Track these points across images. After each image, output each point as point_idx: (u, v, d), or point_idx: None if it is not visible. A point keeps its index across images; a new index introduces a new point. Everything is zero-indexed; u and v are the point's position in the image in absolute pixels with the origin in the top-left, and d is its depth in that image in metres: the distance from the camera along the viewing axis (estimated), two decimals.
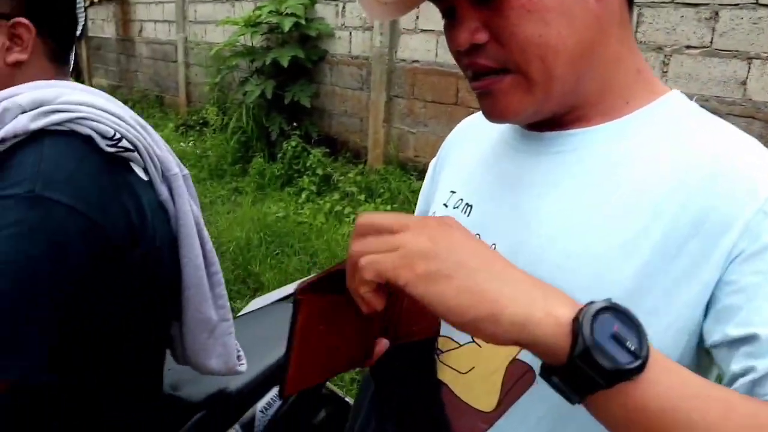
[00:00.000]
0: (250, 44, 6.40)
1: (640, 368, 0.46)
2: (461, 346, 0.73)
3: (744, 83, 3.57)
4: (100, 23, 10.73)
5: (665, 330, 0.61)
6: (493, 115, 0.71)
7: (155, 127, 5.38)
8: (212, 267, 1.08)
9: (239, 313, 1.63)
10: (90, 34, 11.01)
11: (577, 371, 0.46)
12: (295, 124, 6.03)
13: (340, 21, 6.02)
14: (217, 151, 6.48)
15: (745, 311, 0.57)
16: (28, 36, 0.95)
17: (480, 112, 0.94)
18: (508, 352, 0.68)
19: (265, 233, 4.41)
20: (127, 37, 10.03)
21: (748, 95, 3.55)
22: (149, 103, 9.23)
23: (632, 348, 0.46)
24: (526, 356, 0.67)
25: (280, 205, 5.17)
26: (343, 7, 5.97)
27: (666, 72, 3.86)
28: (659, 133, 0.69)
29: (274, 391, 1.32)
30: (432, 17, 5.15)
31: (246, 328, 1.41)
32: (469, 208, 0.78)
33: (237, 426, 1.25)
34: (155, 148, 0.99)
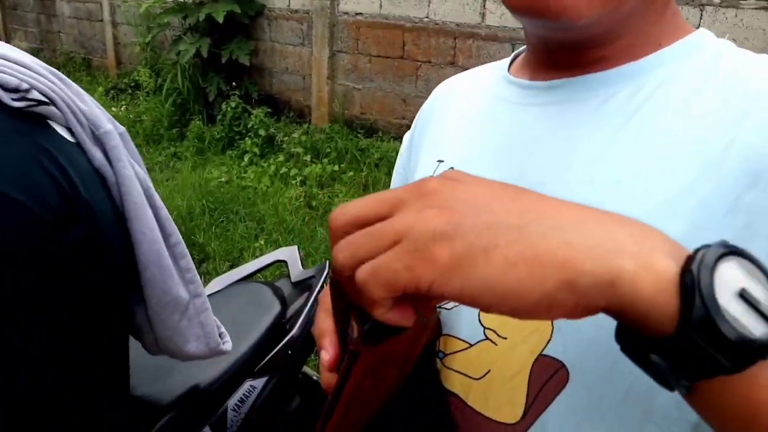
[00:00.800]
0: (182, 0, 6.01)
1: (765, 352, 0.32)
2: (472, 345, 0.58)
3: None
4: None
5: None
6: (558, 11, 0.52)
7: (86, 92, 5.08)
8: (172, 238, 0.91)
9: None
10: None
11: (690, 346, 0.33)
12: (234, 83, 5.74)
13: None
14: (151, 115, 6.13)
15: None
16: None
17: (457, 76, 0.80)
18: (533, 348, 0.54)
19: (208, 200, 4.18)
20: None
21: None
22: (75, 66, 8.68)
23: (766, 312, 0.32)
24: (555, 350, 0.54)
25: (222, 170, 4.92)
26: None
27: None
28: (696, 74, 0.56)
29: (247, 385, 1.18)
30: None
31: None
32: None
33: (207, 429, 1.11)
34: (77, 101, 0.80)
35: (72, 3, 8.85)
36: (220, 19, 5.44)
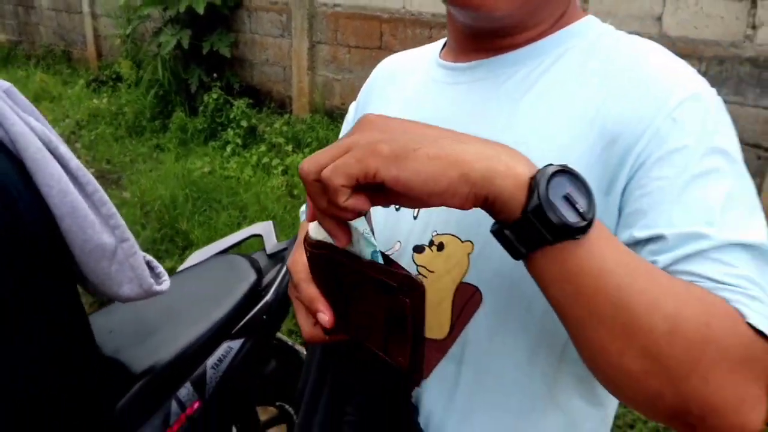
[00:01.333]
0: None
1: (585, 229, 0.49)
2: (443, 248, 0.71)
3: (659, 19, 3.65)
4: None
5: None
6: (480, 5, 0.66)
7: (64, 84, 5.09)
8: (88, 186, 0.91)
9: (178, 269, 1.57)
10: None
11: (529, 225, 0.48)
12: (215, 75, 5.80)
13: None
14: (133, 107, 6.17)
15: (651, 215, 0.59)
16: None
17: (400, 54, 0.92)
18: (454, 278, 0.68)
19: (191, 190, 4.27)
20: None
21: (664, 30, 3.64)
22: (55, 59, 8.66)
23: (581, 210, 0.48)
24: (471, 278, 0.67)
25: (204, 160, 5.00)
26: None
27: (586, 9, 3.89)
28: (583, 51, 0.71)
29: (224, 346, 1.28)
30: None
31: (189, 283, 1.36)
32: None
33: (188, 384, 1.21)
34: None
35: None
36: (201, 11, 5.49)
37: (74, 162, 0.90)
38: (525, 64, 0.72)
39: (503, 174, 0.48)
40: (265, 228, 1.66)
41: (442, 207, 0.50)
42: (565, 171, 0.49)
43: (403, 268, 0.54)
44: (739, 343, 0.51)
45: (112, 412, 1.07)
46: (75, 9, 8.31)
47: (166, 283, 1.04)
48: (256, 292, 1.38)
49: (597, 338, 0.51)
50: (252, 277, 1.41)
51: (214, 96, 5.61)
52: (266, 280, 1.43)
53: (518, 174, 0.49)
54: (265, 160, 4.90)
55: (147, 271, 1.00)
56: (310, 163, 0.51)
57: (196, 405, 1.22)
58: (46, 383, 0.91)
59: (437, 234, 0.70)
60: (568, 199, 0.48)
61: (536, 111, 0.68)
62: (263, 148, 5.09)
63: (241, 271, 1.43)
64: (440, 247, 0.69)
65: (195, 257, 1.60)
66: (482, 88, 0.73)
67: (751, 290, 0.53)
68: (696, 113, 0.62)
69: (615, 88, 0.66)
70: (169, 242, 3.72)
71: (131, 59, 6.78)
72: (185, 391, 1.21)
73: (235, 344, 1.29)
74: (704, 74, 3.41)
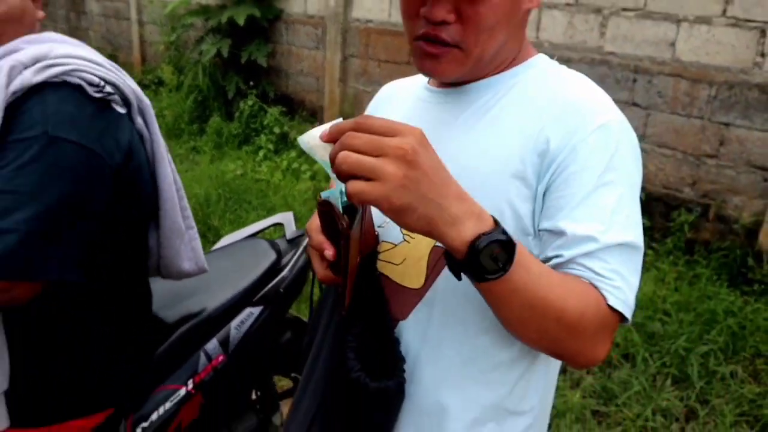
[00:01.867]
0: (205, 2, 6.39)
1: (502, 275, 0.71)
2: (396, 245, 0.94)
3: (673, 44, 3.81)
4: None
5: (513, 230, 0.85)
6: (434, 72, 0.91)
7: None
8: (177, 184, 1.26)
9: (213, 248, 1.82)
10: None
11: (465, 269, 0.71)
12: (251, 83, 6.11)
13: None
14: (173, 110, 6.51)
15: (559, 214, 0.82)
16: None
17: (400, 80, 1.15)
18: (429, 242, 0.90)
19: (224, 190, 4.54)
20: None
21: (677, 56, 3.80)
22: None
23: (500, 264, 0.70)
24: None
25: (238, 164, 5.28)
26: None
27: (604, 33, 4.08)
28: (531, 83, 0.93)
29: (247, 311, 1.53)
30: None
31: (220, 260, 1.61)
32: None
33: (214, 340, 1.46)
34: (130, 83, 1.16)
35: (101, 2, 9.27)
36: (241, 22, 5.81)
37: (173, 165, 1.25)
38: (484, 92, 0.94)
39: (452, 239, 0.68)
40: (285, 217, 1.91)
41: None
42: (500, 241, 0.69)
43: (342, 218, 0.76)
44: (600, 320, 0.79)
45: (151, 356, 1.33)
46: (123, 16, 8.74)
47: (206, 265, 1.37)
48: (275, 268, 1.63)
49: (515, 329, 0.81)
50: (272, 256, 1.66)
51: (250, 103, 5.90)
52: (285, 260, 1.68)
53: (464, 238, 0.68)
54: (295, 165, 5.16)
55: (202, 253, 1.33)
56: (353, 138, 0.66)
57: (220, 358, 1.46)
58: (117, 319, 1.22)
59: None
60: (494, 258, 0.69)
61: (487, 135, 0.90)
62: (293, 154, 5.35)
63: (263, 251, 1.68)
64: (408, 240, 0.93)
65: (226, 240, 1.85)
66: (452, 108, 0.96)
67: (616, 281, 0.80)
68: (604, 139, 0.83)
69: (550, 114, 0.87)
70: (201, 237, 3.99)
71: (173, 65, 7.14)
72: (212, 345, 1.46)
73: (256, 310, 1.54)
74: (714, 98, 3.60)
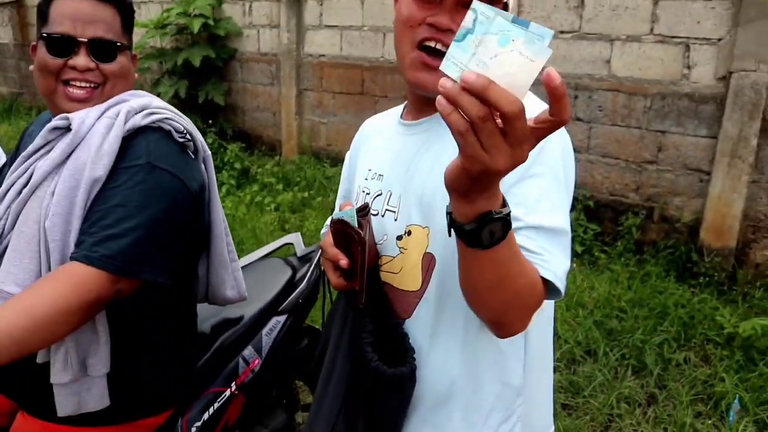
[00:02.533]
0: (160, 46, 6.52)
1: (493, 245, 0.77)
2: (394, 257, 1.08)
3: (608, 62, 4.10)
4: None
5: None
6: (428, 85, 0.99)
7: None
8: (224, 222, 1.47)
9: None
10: None
11: (465, 236, 0.78)
12: (210, 121, 6.22)
13: (247, 20, 6.25)
14: None
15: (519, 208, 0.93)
16: (136, 63, 1.43)
17: (376, 116, 1.32)
18: (420, 251, 1.04)
19: None
20: (27, 41, 9.79)
21: (612, 72, 4.09)
22: None
23: (495, 238, 0.76)
24: (430, 249, 1.04)
25: None
26: (250, 7, 6.20)
27: None
28: None
29: (274, 320, 1.73)
30: (335, 14, 5.48)
31: (245, 278, 1.79)
32: (380, 176, 1.14)
33: (250, 346, 1.66)
34: (199, 136, 1.40)
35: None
36: (197, 64, 5.95)
37: (221, 207, 1.48)
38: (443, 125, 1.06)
39: (477, 208, 0.74)
40: (294, 238, 2.17)
41: (409, 212, 0.99)
42: (500, 219, 0.75)
43: (358, 231, 0.91)
44: (532, 290, 0.86)
45: (195, 364, 1.53)
46: None
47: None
48: (292, 282, 1.85)
49: (479, 295, 0.87)
50: (289, 272, 1.89)
51: (209, 141, 6.01)
52: (299, 274, 1.89)
53: (477, 212, 0.74)
54: (258, 198, 5.28)
55: (243, 283, 1.52)
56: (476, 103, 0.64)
57: (256, 361, 1.65)
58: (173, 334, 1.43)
59: (408, 225, 1.07)
60: (491, 232, 0.75)
61: (442, 157, 1.00)
62: (256, 187, 5.47)
63: (280, 268, 1.92)
64: (409, 233, 1.06)
65: (243, 261, 2.02)
66: (423, 140, 1.09)
67: (545, 256, 0.88)
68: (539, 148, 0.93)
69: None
70: None
71: None
72: (248, 351, 1.65)
73: (281, 318, 1.75)
74: (650, 109, 3.90)
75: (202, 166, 1.39)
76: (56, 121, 1.25)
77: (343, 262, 0.95)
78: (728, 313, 3.21)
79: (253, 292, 1.71)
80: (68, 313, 1.11)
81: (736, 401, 2.59)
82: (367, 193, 1.15)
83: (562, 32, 4.25)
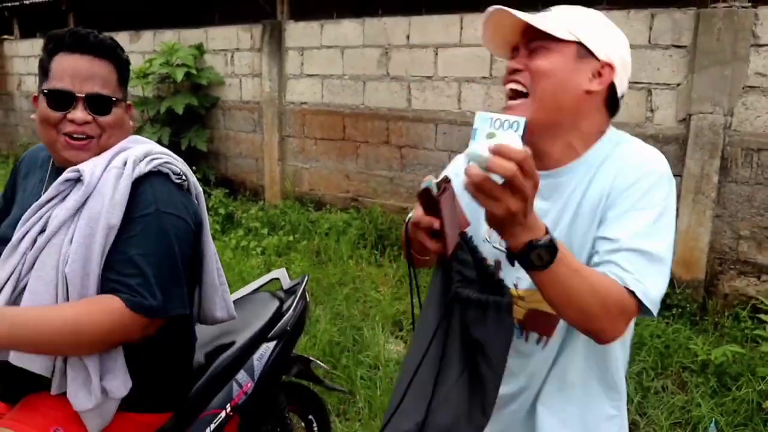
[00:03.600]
0: (143, 94, 6.66)
1: (545, 267, 0.96)
2: (535, 291, 1.13)
3: None
4: None
5: (583, 255, 1.15)
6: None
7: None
8: (214, 250, 1.60)
9: None
10: None
11: (524, 259, 0.96)
12: (193, 168, 6.29)
13: (229, 69, 6.45)
14: None
15: (602, 228, 1.11)
16: (131, 113, 1.55)
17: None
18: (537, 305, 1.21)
19: None
20: (4, 91, 9.85)
21: None
22: None
23: (545, 260, 0.96)
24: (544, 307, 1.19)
25: None
26: (232, 57, 6.41)
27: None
28: (600, 170, 1.16)
29: (264, 345, 1.86)
30: (316, 63, 5.70)
31: (237, 310, 1.91)
32: None
33: (242, 371, 1.78)
34: (192, 176, 1.53)
35: (30, 99, 9.32)
36: (180, 111, 6.10)
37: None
38: (572, 177, 1.18)
39: (518, 239, 0.94)
40: (280, 273, 2.34)
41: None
42: (544, 245, 0.94)
43: (440, 189, 0.98)
44: (622, 304, 1.02)
45: (189, 389, 1.63)
46: None
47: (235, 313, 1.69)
48: (280, 312, 1.99)
49: (557, 308, 1.04)
50: (277, 303, 2.04)
51: None
52: (286, 305, 2.04)
53: (520, 242, 0.94)
54: (244, 243, 5.38)
55: (231, 304, 1.65)
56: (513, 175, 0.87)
57: (249, 384, 1.76)
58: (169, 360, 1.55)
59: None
60: (539, 256, 0.95)
61: (573, 225, 1.17)
62: (241, 232, 5.58)
63: (269, 300, 2.06)
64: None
65: (234, 296, 2.17)
66: (559, 193, 1.21)
67: (636, 274, 1.03)
68: (642, 182, 1.09)
69: (613, 184, 1.12)
70: None
71: None
72: (241, 375, 1.76)
73: (271, 344, 1.88)
74: None
75: (195, 201, 1.52)
76: (68, 174, 1.37)
77: (436, 224, 1.02)
78: (701, 341, 3.39)
79: (244, 322, 1.86)
80: (105, 342, 1.28)
81: (712, 425, 2.74)
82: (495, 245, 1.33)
83: None
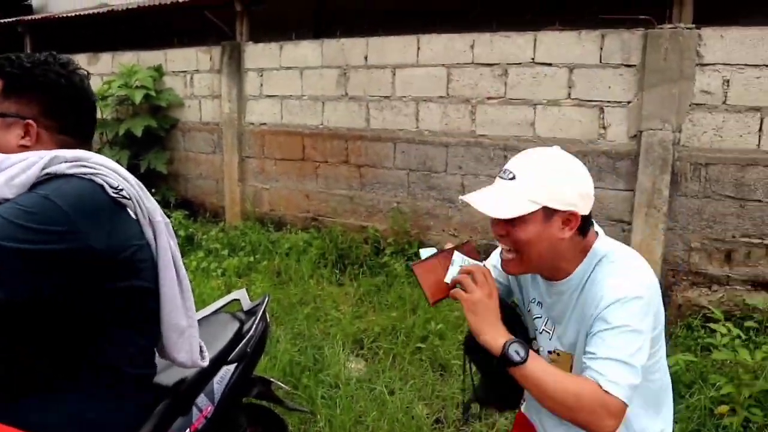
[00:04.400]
0: (101, 117, 6.58)
1: (521, 363, 1.28)
2: (558, 355, 1.49)
3: (533, 125, 4.44)
4: None
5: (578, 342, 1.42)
6: (507, 269, 1.46)
7: None
8: (183, 284, 1.49)
9: None
10: None
11: (501, 361, 1.30)
12: (152, 190, 6.22)
13: (188, 91, 6.42)
14: None
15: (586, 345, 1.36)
16: (35, 131, 1.40)
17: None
18: (568, 360, 1.46)
19: None
20: None
21: (537, 133, 4.42)
22: None
23: (521, 355, 1.28)
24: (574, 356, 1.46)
25: None
26: (191, 78, 6.38)
27: (474, 119, 4.67)
28: (583, 278, 1.43)
29: (224, 368, 1.82)
30: (275, 84, 5.71)
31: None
32: (540, 304, 1.54)
33: (202, 395, 1.73)
34: (145, 201, 1.40)
35: None
36: (139, 134, 6.04)
37: (183, 271, 1.49)
38: (568, 287, 1.44)
39: (491, 344, 1.31)
40: (241, 294, 2.29)
41: (559, 338, 1.47)
42: (516, 342, 1.29)
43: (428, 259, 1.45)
44: (597, 400, 1.24)
45: (149, 414, 1.54)
46: None
47: (206, 360, 1.57)
48: (240, 334, 1.95)
49: (539, 401, 1.31)
50: (237, 324, 1.99)
51: None
52: (246, 326, 2.00)
53: (497, 344, 1.30)
54: (204, 264, 5.31)
55: (198, 350, 1.54)
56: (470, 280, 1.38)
57: (209, 408, 1.72)
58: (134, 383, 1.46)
59: (556, 347, 1.48)
60: (516, 352, 1.28)
61: (572, 319, 1.44)
62: (201, 254, 5.51)
63: (228, 322, 2.02)
64: (558, 354, 1.48)
65: (199, 314, 2.12)
66: (554, 295, 1.49)
67: (609, 376, 1.25)
68: (617, 307, 1.31)
69: (599, 306, 1.34)
70: None
71: None
72: (201, 398, 1.71)
73: (231, 367, 1.84)
74: None
75: (149, 231, 1.42)
76: None
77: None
78: None
79: (205, 345, 1.81)
80: None
81: None
82: (534, 316, 1.56)
83: (489, 98, 4.59)
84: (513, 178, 1.36)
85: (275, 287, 4.77)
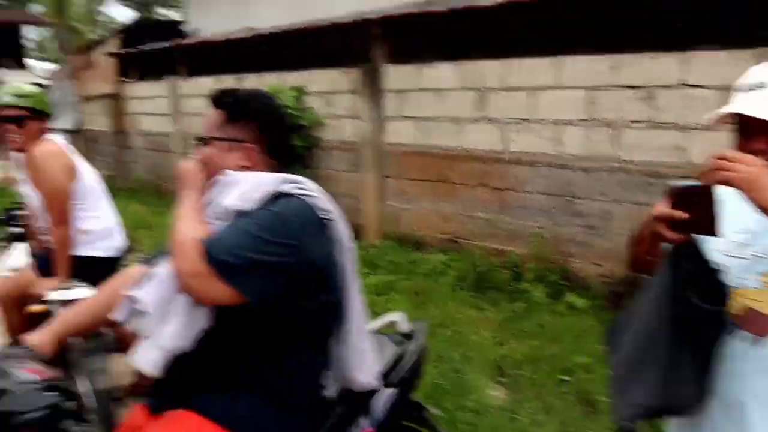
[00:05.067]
0: None
1: None
2: (760, 290, 1.31)
3: (684, 149, 4.23)
4: (95, 117, 11.33)
5: None
6: None
7: (158, 214, 5.87)
8: (363, 314, 1.62)
9: None
10: (86, 127, 11.61)
11: None
12: None
13: (329, 110, 6.69)
14: None
15: None
16: (253, 153, 1.59)
17: None
18: None
19: None
20: (123, 129, 10.61)
21: (689, 159, 4.20)
22: (147, 191, 9.67)
23: None
24: None
25: None
26: (331, 98, 6.66)
27: (618, 143, 4.53)
28: None
29: (383, 392, 1.85)
30: (414, 106, 5.86)
31: None
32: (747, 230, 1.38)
33: (362, 416, 1.78)
34: (341, 224, 1.55)
35: (145, 137, 10.04)
36: None
37: (359, 282, 1.65)
38: None
39: None
40: (399, 316, 2.29)
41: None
42: None
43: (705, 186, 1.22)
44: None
45: (318, 428, 1.65)
46: (166, 148, 9.45)
47: (379, 382, 1.71)
48: (398, 357, 1.98)
49: None
50: (394, 348, 2.03)
51: None
52: (407, 350, 2.03)
53: None
54: None
55: (376, 370, 1.68)
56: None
57: (369, 430, 1.77)
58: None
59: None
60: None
61: None
62: None
63: (387, 344, 2.04)
64: None
65: None
66: None
67: None
68: None
69: None
70: None
71: None
72: (362, 420, 1.77)
73: (389, 391, 1.88)
74: None
75: (341, 253, 1.54)
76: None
77: (685, 216, 1.23)
78: None
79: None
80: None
81: None
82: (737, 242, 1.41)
83: (634, 122, 4.42)
84: (763, 86, 1.30)
85: (415, 308, 4.87)
